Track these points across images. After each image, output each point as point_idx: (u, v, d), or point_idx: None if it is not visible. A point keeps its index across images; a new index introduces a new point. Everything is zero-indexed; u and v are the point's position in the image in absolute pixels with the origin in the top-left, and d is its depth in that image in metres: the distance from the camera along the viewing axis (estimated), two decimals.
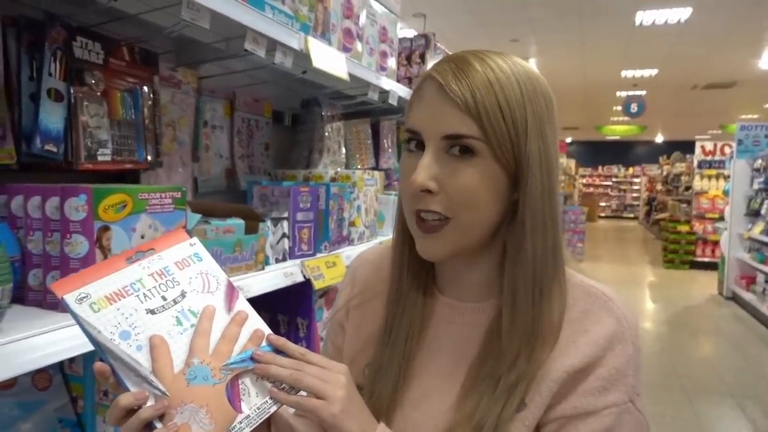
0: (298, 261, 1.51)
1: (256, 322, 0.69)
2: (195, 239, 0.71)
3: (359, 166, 2.23)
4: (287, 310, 1.64)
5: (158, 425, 0.59)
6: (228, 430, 0.61)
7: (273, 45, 1.39)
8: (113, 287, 0.63)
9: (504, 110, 0.68)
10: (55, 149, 1.05)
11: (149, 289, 0.65)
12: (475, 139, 0.68)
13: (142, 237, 0.98)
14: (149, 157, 1.27)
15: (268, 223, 1.47)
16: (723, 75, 10.13)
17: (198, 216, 1.23)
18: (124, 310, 0.62)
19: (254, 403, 0.64)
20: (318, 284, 1.53)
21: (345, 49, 1.79)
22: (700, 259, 9.79)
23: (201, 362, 0.63)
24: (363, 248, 1.85)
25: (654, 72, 10.17)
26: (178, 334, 0.64)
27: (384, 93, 2.06)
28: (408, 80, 2.45)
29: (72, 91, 1.08)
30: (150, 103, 1.28)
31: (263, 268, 1.39)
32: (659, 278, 9.16)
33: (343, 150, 2.12)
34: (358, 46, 1.89)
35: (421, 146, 0.71)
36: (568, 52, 8.96)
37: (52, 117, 1.04)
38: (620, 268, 10.08)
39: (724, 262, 7.64)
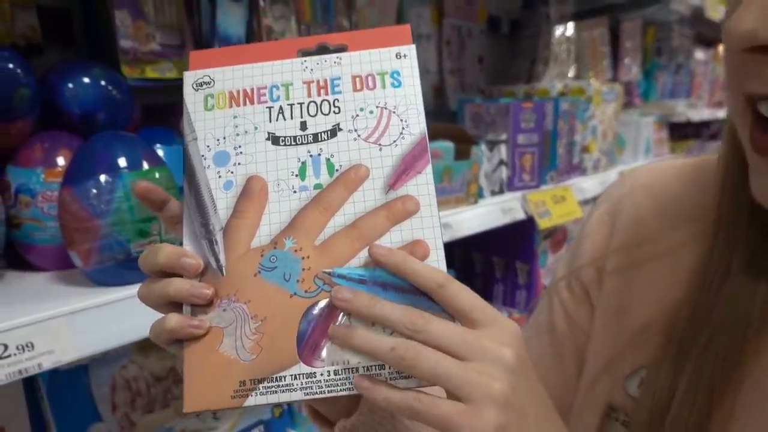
0: (518, 194, 1.23)
1: (422, 227, 0.38)
2: (411, 48, 0.42)
3: (593, 79, 1.82)
4: (504, 252, 1.39)
5: (187, 309, 0.37)
6: (270, 377, 0.36)
7: None
8: (248, 82, 0.41)
9: None
10: None
11: (292, 104, 0.41)
12: None
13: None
14: None
15: (483, 147, 1.21)
16: None
17: None
18: (241, 122, 0.40)
19: (336, 360, 0.36)
20: (543, 223, 1.24)
21: None
22: None
23: (295, 250, 0.38)
24: (598, 180, 1.48)
25: None
26: (288, 191, 0.39)
27: None
28: None
29: None
30: (342, 2, 1.08)
31: (476, 202, 1.14)
32: None
33: (573, 59, 1.73)
34: None
35: None
36: None
37: (231, 20, 0.89)
38: None
39: None
